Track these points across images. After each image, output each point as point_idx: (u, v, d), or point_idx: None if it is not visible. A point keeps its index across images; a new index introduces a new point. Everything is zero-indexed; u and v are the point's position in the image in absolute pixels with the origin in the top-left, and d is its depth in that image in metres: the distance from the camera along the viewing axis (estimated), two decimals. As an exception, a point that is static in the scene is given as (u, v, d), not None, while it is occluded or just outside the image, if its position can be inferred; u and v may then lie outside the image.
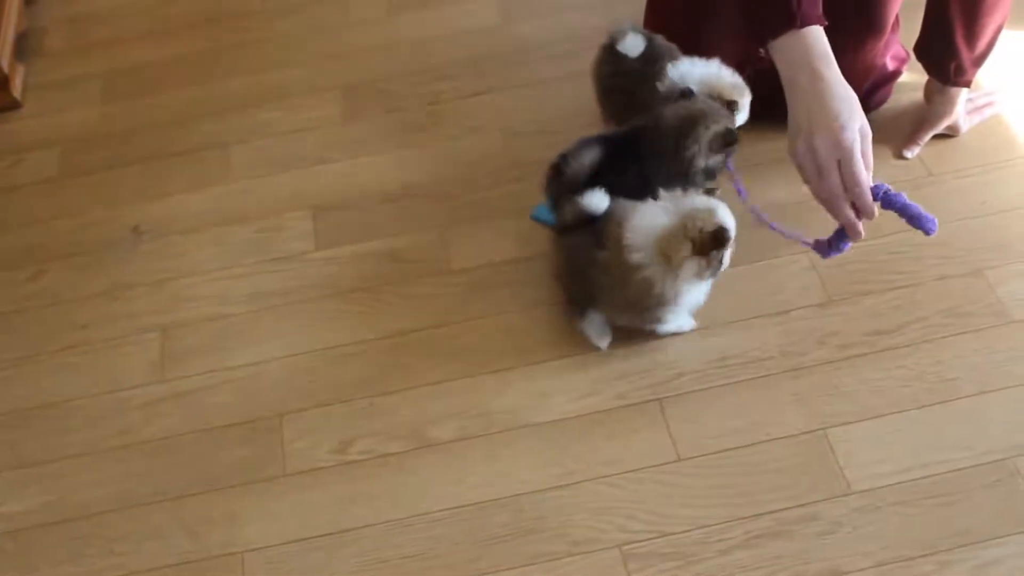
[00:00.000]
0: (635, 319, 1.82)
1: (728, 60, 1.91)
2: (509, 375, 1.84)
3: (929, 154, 2.06)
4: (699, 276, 1.68)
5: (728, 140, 1.80)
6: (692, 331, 1.85)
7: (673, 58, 1.92)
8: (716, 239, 1.64)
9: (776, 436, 1.72)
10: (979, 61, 1.98)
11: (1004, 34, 1.95)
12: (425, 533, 1.67)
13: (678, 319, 1.83)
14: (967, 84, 2.01)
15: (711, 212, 1.64)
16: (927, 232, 1.63)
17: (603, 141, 1.85)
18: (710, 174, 1.85)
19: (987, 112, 2.13)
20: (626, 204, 1.74)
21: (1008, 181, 2.02)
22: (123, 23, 2.70)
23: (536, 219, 2.05)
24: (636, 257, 1.68)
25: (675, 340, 1.84)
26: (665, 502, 1.66)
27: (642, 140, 1.85)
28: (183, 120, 2.40)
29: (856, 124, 1.59)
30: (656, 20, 2.10)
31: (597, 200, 1.75)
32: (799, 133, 1.63)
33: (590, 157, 1.82)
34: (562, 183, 1.83)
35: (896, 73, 2.13)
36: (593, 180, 1.80)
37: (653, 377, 1.80)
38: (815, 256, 1.82)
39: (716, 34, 1.99)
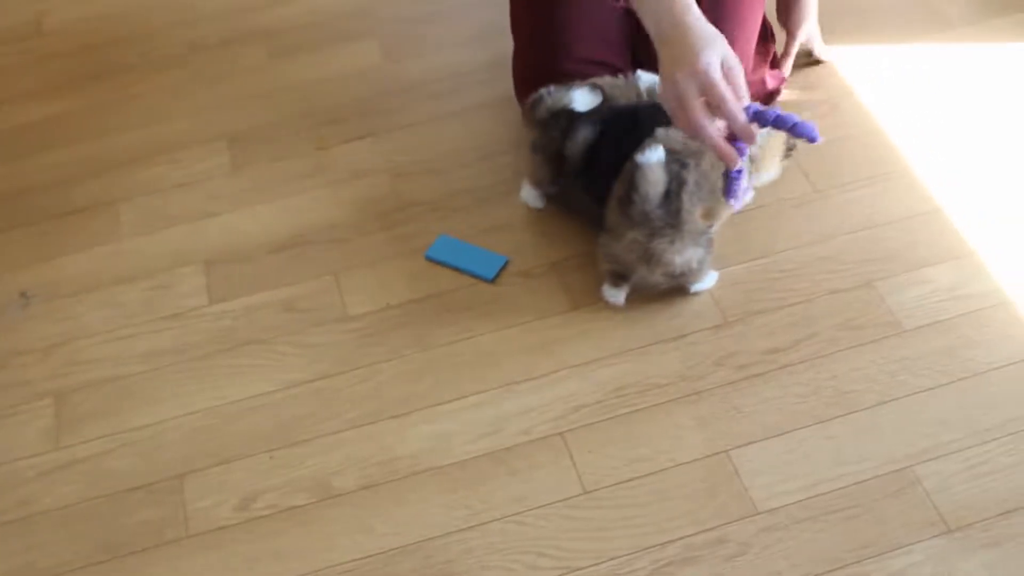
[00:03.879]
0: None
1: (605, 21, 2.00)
2: (410, 419, 1.82)
3: (814, 170, 2.08)
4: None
5: None
6: (596, 361, 1.86)
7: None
8: None
9: (680, 462, 1.72)
10: None
11: (881, 48, 1.99)
12: (335, 585, 1.66)
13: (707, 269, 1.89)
14: None
15: None
16: (811, 140, 1.64)
17: (597, 121, 1.91)
18: None
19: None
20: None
21: (892, 193, 2.05)
22: (3, 83, 2.65)
23: (430, 258, 2.04)
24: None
25: (573, 372, 1.85)
26: (573, 536, 1.65)
27: (639, 115, 1.89)
28: (69, 180, 2.35)
29: (714, 52, 1.61)
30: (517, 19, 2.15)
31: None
32: (663, 78, 1.66)
33: (584, 135, 1.89)
34: (563, 166, 1.94)
35: (775, 92, 2.16)
36: (592, 156, 1.91)
37: (553, 411, 1.80)
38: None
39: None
